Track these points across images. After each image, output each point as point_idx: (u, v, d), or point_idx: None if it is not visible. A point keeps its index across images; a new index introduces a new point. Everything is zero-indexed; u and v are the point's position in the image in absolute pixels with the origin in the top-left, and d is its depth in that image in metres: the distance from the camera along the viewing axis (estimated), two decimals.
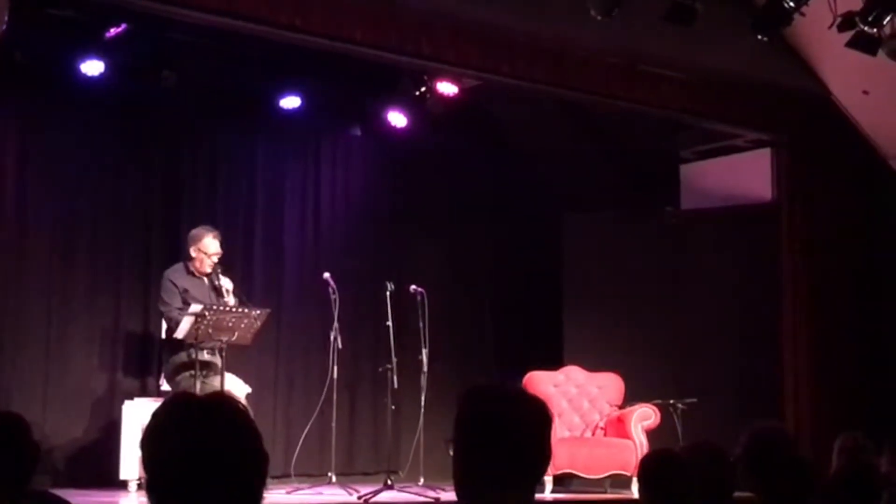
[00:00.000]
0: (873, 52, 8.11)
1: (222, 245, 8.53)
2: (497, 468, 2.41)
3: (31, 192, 9.25)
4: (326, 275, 9.01)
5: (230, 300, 8.38)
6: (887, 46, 8.07)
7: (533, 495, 2.49)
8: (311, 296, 9.93)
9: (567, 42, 8.80)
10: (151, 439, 1.99)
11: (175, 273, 8.47)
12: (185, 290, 8.33)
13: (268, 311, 8.30)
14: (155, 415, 2.02)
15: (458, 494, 2.49)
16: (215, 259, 8.44)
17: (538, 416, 2.48)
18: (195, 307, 7.91)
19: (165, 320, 8.53)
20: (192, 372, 7.99)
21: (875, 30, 7.91)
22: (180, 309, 8.17)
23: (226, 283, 8.42)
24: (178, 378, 8.21)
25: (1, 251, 9.07)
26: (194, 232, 8.55)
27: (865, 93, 9.86)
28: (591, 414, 9.75)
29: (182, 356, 8.21)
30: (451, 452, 2.47)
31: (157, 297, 8.59)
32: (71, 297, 9.29)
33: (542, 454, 2.46)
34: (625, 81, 9.31)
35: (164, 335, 8.72)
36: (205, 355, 8.07)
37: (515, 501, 2.42)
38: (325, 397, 9.06)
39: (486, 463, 2.41)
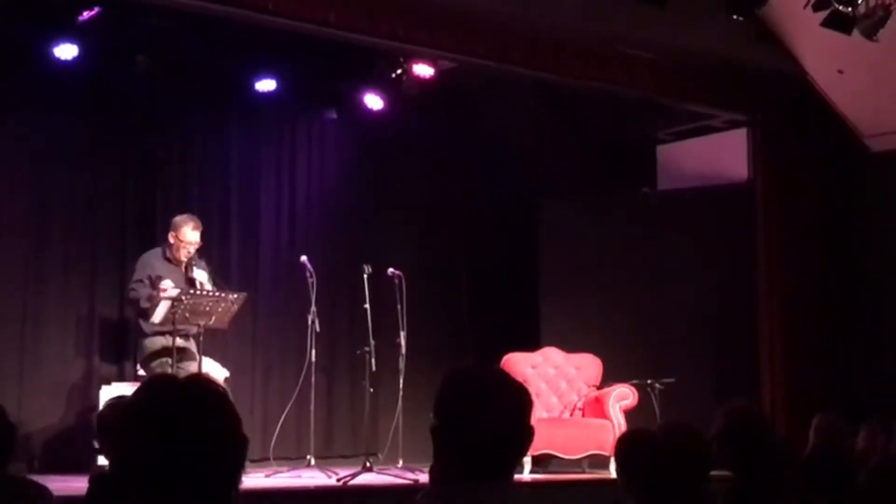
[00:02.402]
0: (848, 32, 8.12)
1: (202, 235, 8.44)
2: (477, 450, 2.41)
3: (2, 177, 9.18)
4: (304, 258, 8.99)
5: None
6: (862, 26, 8.09)
7: (513, 476, 2.50)
8: (288, 279, 9.93)
9: (541, 24, 8.78)
10: (131, 420, 1.98)
11: (152, 256, 8.39)
12: (160, 277, 8.23)
13: (245, 294, 8.26)
14: (135, 395, 2.01)
15: (434, 477, 2.49)
16: (192, 249, 8.32)
17: (517, 398, 2.48)
18: (172, 291, 7.87)
19: (132, 301, 8.39)
20: (167, 358, 7.95)
21: (850, 9, 7.92)
22: (151, 296, 8.08)
23: (200, 276, 8.28)
24: (154, 364, 8.14)
25: None
26: (177, 218, 8.39)
27: (840, 72, 9.88)
28: (569, 394, 9.77)
29: (156, 341, 8.16)
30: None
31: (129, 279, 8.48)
32: (46, 282, 9.24)
33: (522, 436, 2.47)
34: (600, 63, 9.30)
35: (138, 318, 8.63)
36: (179, 341, 8.02)
37: (496, 482, 2.43)
38: (303, 380, 9.06)
39: (467, 444, 2.41)
